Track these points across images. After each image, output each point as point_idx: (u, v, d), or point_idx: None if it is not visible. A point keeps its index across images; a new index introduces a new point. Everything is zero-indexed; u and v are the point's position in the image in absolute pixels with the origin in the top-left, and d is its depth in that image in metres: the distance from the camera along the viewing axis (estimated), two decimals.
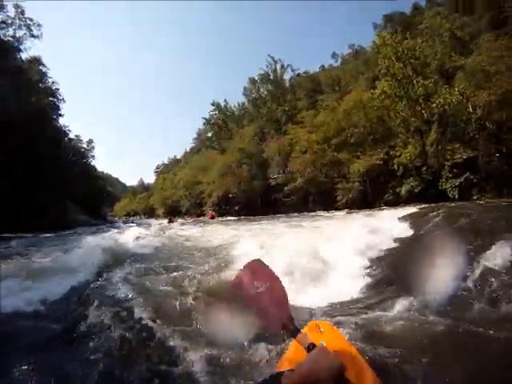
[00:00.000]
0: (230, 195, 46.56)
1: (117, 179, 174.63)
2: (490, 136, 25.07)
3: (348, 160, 33.42)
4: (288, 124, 45.43)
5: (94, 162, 56.61)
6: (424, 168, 27.56)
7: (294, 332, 1.35)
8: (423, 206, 17.66)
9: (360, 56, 55.28)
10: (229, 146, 53.01)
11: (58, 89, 39.85)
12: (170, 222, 32.99)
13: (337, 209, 31.53)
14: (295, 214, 30.62)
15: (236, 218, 36.66)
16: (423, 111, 28.21)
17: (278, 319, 1.39)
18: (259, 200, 43.54)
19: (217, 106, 64.71)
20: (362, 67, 47.60)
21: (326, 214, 27.48)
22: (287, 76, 56.62)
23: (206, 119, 67.52)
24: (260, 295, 1.47)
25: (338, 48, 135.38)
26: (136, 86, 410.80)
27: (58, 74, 76.78)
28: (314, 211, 31.98)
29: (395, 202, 27.69)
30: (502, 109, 23.82)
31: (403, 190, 28.25)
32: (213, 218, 32.83)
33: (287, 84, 56.32)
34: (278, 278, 1.56)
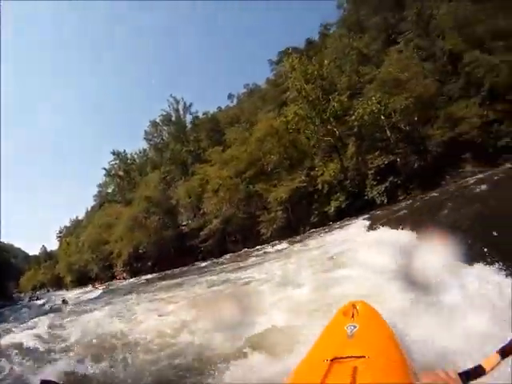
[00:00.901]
0: (141, 250, 41.22)
1: (19, 249, 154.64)
2: (405, 138, 26.43)
3: (266, 190, 31.42)
4: (195, 165, 42.21)
5: None
6: (347, 182, 27.58)
7: None
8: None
9: (255, 94, 56.64)
10: (133, 196, 47.94)
11: None
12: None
13: (262, 243, 28.78)
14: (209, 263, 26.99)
15: (146, 277, 32.31)
16: (335, 129, 28.86)
17: None
18: (172, 251, 38.83)
19: (117, 155, 59.36)
20: (258, 103, 48.38)
21: (252, 251, 24.42)
22: (188, 117, 53.80)
23: (106, 170, 61.38)
24: None
25: (233, 89, 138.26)
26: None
27: None
28: (234, 251, 30.00)
29: (322, 223, 26.63)
30: (415, 111, 25.57)
31: (332, 207, 27.39)
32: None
33: (189, 125, 53.36)
34: None
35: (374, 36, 37.97)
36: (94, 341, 6.01)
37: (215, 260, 28.09)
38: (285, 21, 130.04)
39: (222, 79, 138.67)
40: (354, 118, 26.84)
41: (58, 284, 74.36)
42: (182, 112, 53.23)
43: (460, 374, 1.26)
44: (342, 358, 1.41)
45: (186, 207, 40.01)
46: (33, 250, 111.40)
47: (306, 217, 29.22)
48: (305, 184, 29.16)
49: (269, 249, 20.82)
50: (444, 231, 5.17)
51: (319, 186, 28.53)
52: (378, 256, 5.58)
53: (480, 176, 17.26)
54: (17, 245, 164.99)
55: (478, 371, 1.28)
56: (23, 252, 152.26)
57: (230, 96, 66.92)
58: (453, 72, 27.42)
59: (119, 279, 43.67)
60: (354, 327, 1.72)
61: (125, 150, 60.51)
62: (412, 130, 26.45)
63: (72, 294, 34.05)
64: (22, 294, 72.25)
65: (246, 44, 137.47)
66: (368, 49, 36.11)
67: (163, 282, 18.91)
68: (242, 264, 15.50)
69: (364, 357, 1.40)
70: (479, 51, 25.73)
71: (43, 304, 28.09)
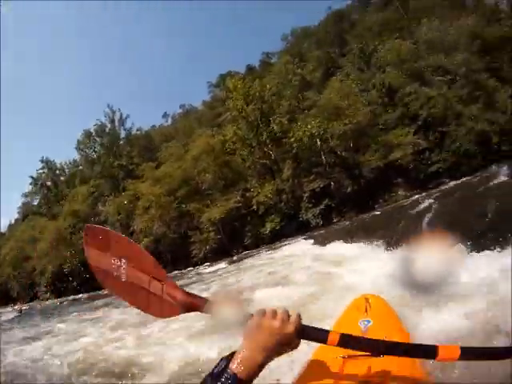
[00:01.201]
0: (66, 270, 38.85)
1: None
2: (340, 163, 27.77)
3: (198, 210, 31.23)
4: (126, 180, 40.72)
5: None
6: (282, 204, 28.19)
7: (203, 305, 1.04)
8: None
9: (191, 114, 57.56)
10: (60, 210, 45.13)
11: None
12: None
13: (194, 265, 28.95)
14: None
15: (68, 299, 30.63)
16: (271, 151, 30.03)
17: (170, 295, 1.09)
18: None
19: (46, 163, 55.76)
20: (194, 123, 49.04)
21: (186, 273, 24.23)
22: (123, 130, 51.76)
23: (33, 178, 57.14)
24: (126, 273, 1.14)
25: (168, 108, 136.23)
26: None
27: None
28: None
29: (256, 245, 27.01)
30: (352, 137, 27.29)
31: (268, 228, 27.76)
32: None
33: (122, 138, 51.36)
34: (133, 242, 1.21)
35: (315, 67, 39.95)
36: None
37: None
38: (224, 46, 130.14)
39: (155, 97, 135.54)
40: (293, 139, 27.66)
41: None
42: (117, 124, 51.29)
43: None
44: (355, 355, 1.32)
45: (115, 224, 38.33)
46: None
47: (239, 238, 29.33)
48: (240, 204, 29.30)
49: (202, 269, 20.41)
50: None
51: (254, 207, 28.82)
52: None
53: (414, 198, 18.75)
54: None
55: (427, 351, 0.91)
56: None
57: (165, 115, 66.97)
58: (390, 103, 29.22)
59: (42, 299, 40.78)
60: (368, 322, 1.63)
61: (54, 160, 57.37)
62: (347, 155, 27.71)
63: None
64: None
65: (183, 66, 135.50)
66: (311, 75, 37.87)
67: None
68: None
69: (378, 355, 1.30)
70: (418, 84, 28.13)
71: None
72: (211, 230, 29.75)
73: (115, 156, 46.77)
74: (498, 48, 28.91)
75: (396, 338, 1.37)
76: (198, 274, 19.23)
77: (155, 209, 31.81)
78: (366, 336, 1.47)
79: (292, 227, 26.57)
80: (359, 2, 53.50)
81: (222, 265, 19.63)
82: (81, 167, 54.26)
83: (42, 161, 56.45)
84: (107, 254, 1.17)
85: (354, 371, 1.29)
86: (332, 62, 39.93)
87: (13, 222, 68.50)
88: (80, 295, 31.54)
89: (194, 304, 1.06)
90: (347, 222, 21.61)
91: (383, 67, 31.32)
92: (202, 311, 1.04)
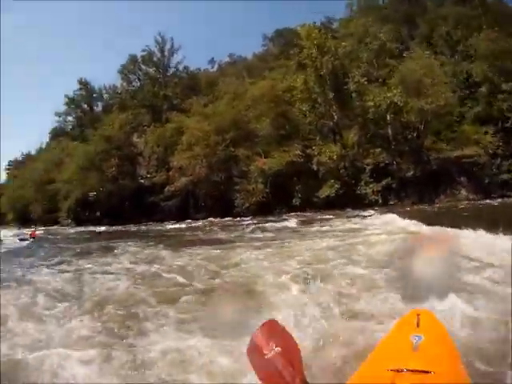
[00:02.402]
0: (91, 198, 35.78)
1: None
2: (408, 143, 25.47)
3: (247, 157, 27.74)
4: (170, 112, 36.81)
5: None
6: (343, 171, 25.56)
7: None
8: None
9: (239, 65, 53.47)
10: (93, 134, 41.60)
11: None
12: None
13: (236, 215, 25.62)
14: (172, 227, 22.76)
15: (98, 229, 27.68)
16: (334, 113, 27.49)
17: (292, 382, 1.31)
18: (127, 204, 33.78)
19: (84, 84, 52.11)
20: (243, 73, 44.95)
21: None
22: (173, 61, 47.27)
23: (68, 97, 53.02)
24: (274, 358, 1.38)
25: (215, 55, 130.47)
26: None
27: None
28: (196, 218, 26.74)
29: (303, 208, 24.64)
30: (429, 119, 24.80)
31: (324, 193, 24.89)
32: (34, 236, 23.28)
33: (171, 68, 47.05)
34: (292, 338, 1.52)
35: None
36: None
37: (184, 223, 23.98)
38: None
39: (202, 41, 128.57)
40: (371, 103, 24.92)
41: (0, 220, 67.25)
42: (166, 54, 46.93)
43: None
44: (405, 370, 1.26)
45: (151, 157, 34.75)
46: None
47: (286, 198, 26.07)
48: (300, 160, 25.87)
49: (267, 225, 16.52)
50: None
51: (314, 167, 25.81)
52: None
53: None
54: None
55: None
56: None
57: (212, 61, 61.13)
58: (470, 96, 26.76)
59: (62, 225, 38.27)
60: (419, 338, 1.51)
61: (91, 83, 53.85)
62: (417, 137, 25.37)
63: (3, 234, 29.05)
64: None
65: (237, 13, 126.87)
66: (391, 42, 32.91)
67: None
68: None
69: (429, 372, 1.25)
70: None
71: None
72: (261, 182, 26.09)
73: (160, 86, 42.83)
74: None
75: (446, 357, 1.44)
76: (264, 228, 15.28)
77: (201, 146, 27.76)
78: (417, 352, 1.47)
79: (345, 198, 23.98)
80: None
81: (291, 223, 16.05)
82: (120, 92, 50.31)
83: (79, 82, 52.95)
84: (271, 340, 1.41)
85: None
86: (401, 41, 36.09)
87: (44, 145, 65.90)
88: (102, 228, 28.50)
89: None
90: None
91: (472, 57, 28.12)
92: None
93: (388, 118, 24.90)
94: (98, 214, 35.79)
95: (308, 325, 3.30)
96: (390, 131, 25.34)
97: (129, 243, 13.16)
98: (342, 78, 27.63)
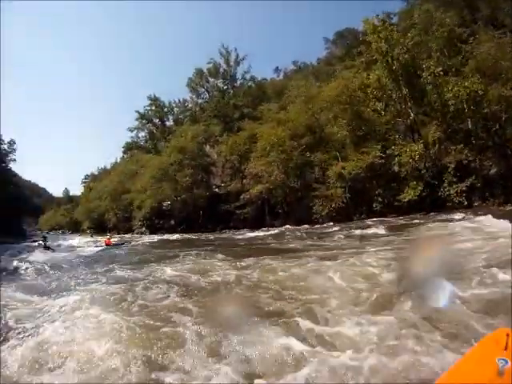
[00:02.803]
0: (165, 207, 36.51)
1: (44, 189, 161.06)
2: (491, 137, 22.77)
3: (324, 162, 26.91)
4: (242, 121, 36.84)
5: (17, 168, 45.92)
6: (424, 171, 23.62)
7: None
8: None
9: (304, 71, 53.30)
10: (165, 146, 42.78)
11: None
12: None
13: (311, 223, 24.48)
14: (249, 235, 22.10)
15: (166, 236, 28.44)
16: (410, 109, 25.68)
17: None
18: (201, 213, 33.97)
19: (154, 100, 54.22)
20: (310, 79, 42.94)
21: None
22: (239, 71, 47.79)
23: (139, 113, 55.70)
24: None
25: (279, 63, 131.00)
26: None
27: None
28: (273, 226, 26.27)
29: (384, 213, 23.16)
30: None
31: (407, 196, 22.85)
32: (109, 244, 24.26)
33: (238, 79, 47.54)
34: None
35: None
36: None
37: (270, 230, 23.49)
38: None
39: (265, 51, 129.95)
40: (450, 95, 22.55)
41: (76, 228, 72.31)
42: (232, 64, 47.59)
43: None
44: None
45: (224, 167, 34.86)
46: (58, 192, 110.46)
47: (366, 202, 24.59)
48: (381, 161, 24.22)
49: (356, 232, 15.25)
50: None
51: (395, 168, 23.91)
52: None
53: None
54: (42, 185, 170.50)
55: None
56: (48, 193, 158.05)
57: (277, 70, 63.17)
58: None
59: (137, 233, 39.48)
60: (506, 363, 1.43)
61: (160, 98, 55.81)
62: (500, 128, 22.47)
63: (78, 241, 30.87)
64: (39, 232, 69.34)
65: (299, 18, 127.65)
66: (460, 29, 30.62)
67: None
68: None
69: None
70: None
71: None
72: (339, 186, 24.96)
73: (229, 97, 43.34)
74: None
75: None
76: (351, 235, 14.35)
77: (276, 152, 27.15)
78: (502, 378, 1.40)
79: (428, 201, 22.21)
80: None
81: (379, 229, 14.48)
82: (190, 106, 51.66)
83: (149, 98, 55.21)
84: None
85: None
86: (465, 26, 32.99)
87: (119, 159, 69.58)
88: (175, 236, 28.62)
89: None
90: None
91: None
92: None
93: (467, 110, 22.74)
94: (173, 222, 36.34)
95: None
96: (470, 125, 23.20)
97: (195, 252, 12.65)
98: (414, 72, 25.94)
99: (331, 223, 22.99)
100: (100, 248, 22.02)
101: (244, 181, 31.78)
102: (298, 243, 13.57)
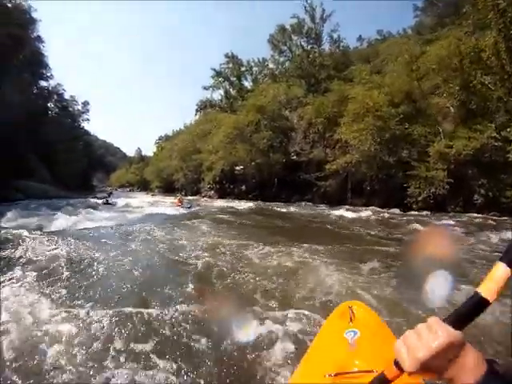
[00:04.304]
0: (237, 171, 34.32)
1: (118, 148, 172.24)
2: None
3: (424, 137, 22.67)
4: (330, 81, 33.05)
5: (90, 127, 48.86)
6: None
7: None
8: None
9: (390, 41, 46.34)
10: (242, 105, 40.19)
11: None
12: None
13: (405, 208, 21.14)
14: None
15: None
16: None
17: None
18: (276, 180, 31.29)
19: (231, 57, 51.49)
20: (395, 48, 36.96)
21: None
22: (326, 29, 43.24)
23: (215, 71, 53.42)
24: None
25: (362, 32, 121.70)
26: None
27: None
28: (355, 205, 23.32)
29: (488, 209, 18.72)
30: None
31: None
32: (181, 203, 23.24)
33: (325, 38, 43.10)
34: None
35: None
36: None
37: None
38: None
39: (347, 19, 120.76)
40: None
41: (145, 187, 73.88)
42: (318, 21, 43.13)
43: (447, 320, 0.70)
44: (346, 372, 1.21)
45: (306, 132, 31.56)
46: (132, 153, 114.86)
47: (466, 193, 20.17)
48: (498, 143, 19.35)
49: None
50: None
51: (510, 156, 18.89)
52: None
53: None
54: (116, 145, 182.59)
55: (476, 306, 0.69)
56: (122, 152, 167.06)
57: (360, 38, 57.76)
58: None
59: (204, 196, 38.02)
60: (355, 334, 1.44)
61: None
62: None
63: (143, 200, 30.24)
64: (109, 188, 71.26)
65: None
66: None
67: None
68: None
69: (372, 371, 1.18)
70: None
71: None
72: (441, 169, 20.60)
73: (314, 56, 39.42)
74: None
75: (387, 351, 1.26)
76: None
77: (372, 117, 23.32)
78: (354, 349, 1.37)
79: None
80: None
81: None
82: (271, 65, 48.36)
83: (226, 55, 52.66)
84: None
85: None
86: None
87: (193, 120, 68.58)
88: (248, 204, 25.84)
89: None
90: None
91: None
92: None
93: None
94: (244, 188, 34.23)
95: None
96: None
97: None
98: None
99: (427, 212, 19.49)
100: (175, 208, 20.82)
101: (327, 150, 28.34)
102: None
